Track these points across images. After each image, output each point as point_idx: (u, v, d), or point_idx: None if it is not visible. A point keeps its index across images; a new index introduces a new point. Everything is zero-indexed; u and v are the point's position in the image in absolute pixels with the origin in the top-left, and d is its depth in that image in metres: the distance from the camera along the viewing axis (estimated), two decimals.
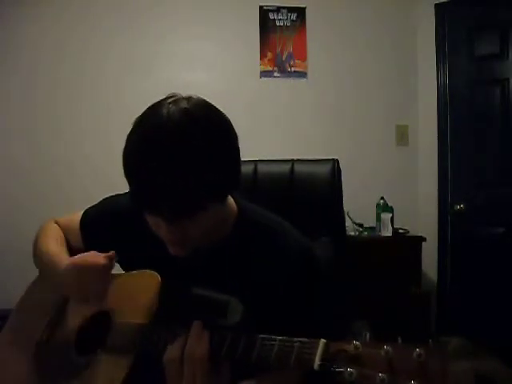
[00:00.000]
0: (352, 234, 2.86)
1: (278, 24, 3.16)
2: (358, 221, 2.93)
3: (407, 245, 2.89)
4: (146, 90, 2.82)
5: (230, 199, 0.95)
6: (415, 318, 2.65)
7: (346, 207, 1.50)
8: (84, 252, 1.14)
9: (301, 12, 3.17)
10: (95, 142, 3.00)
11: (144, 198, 0.81)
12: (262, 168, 1.49)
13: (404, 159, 3.24)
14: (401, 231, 2.92)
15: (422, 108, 3.24)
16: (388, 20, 3.23)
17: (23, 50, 3.00)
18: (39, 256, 1.11)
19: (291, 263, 0.91)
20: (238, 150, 0.87)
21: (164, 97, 0.84)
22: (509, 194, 2.88)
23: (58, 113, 3.01)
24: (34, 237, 1.17)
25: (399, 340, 0.61)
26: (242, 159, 0.88)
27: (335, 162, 1.48)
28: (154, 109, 0.82)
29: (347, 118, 3.20)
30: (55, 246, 1.09)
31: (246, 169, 0.90)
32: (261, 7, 3.15)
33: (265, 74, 3.15)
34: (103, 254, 0.97)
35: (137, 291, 0.94)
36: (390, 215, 2.86)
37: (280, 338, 0.70)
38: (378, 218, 2.90)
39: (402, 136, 3.24)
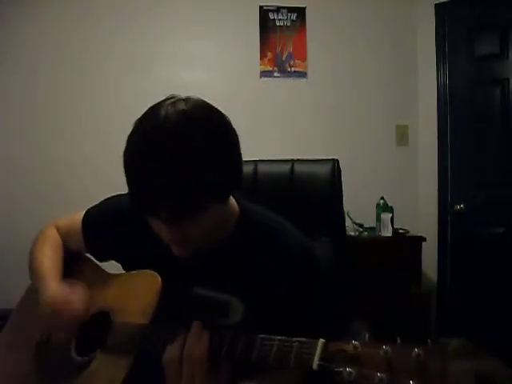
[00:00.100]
0: (352, 234, 2.86)
1: (277, 24, 3.16)
2: (358, 221, 2.92)
3: (407, 245, 2.89)
4: (145, 89, 2.82)
5: (232, 199, 0.95)
6: (415, 317, 2.65)
7: (345, 207, 1.50)
8: (84, 252, 1.15)
9: (301, 12, 3.17)
10: (95, 142, 2.99)
11: (143, 199, 0.82)
12: (261, 168, 1.49)
13: (404, 159, 3.24)
14: (401, 231, 2.92)
15: (422, 108, 3.24)
16: (388, 20, 3.23)
17: (23, 50, 3.00)
18: (33, 264, 1.12)
19: (292, 263, 0.91)
20: (237, 149, 0.87)
21: (164, 98, 0.85)
22: (509, 193, 2.88)
23: (58, 113, 3.01)
24: (32, 244, 1.17)
25: (398, 340, 0.61)
26: (243, 159, 0.88)
27: (335, 162, 1.48)
28: (153, 110, 0.83)
29: (347, 118, 3.20)
30: (48, 265, 1.09)
31: (246, 169, 0.90)
32: (261, 7, 3.15)
33: (265, 73, 3.15)
34: (81, 306, 0.99)
35: (137, 291, 0.94)
36: (390, 215, 2.86)
37: (279, 337, 0.70)
38: (378, 218, 2.90)
39: (402, 136, 3.24)
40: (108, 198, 1.13)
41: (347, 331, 1.32)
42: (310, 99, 3.17)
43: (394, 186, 3.13)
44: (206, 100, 0.86)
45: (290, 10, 3.16)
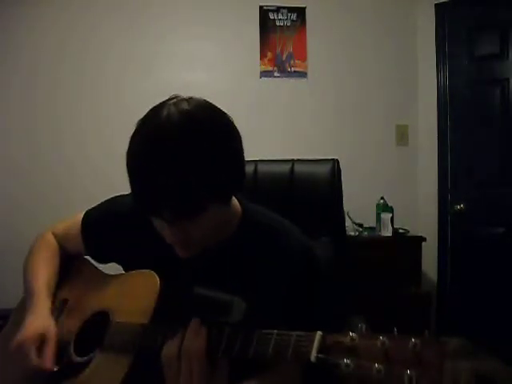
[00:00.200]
0: (352, 234, 2.86)
1: (277, 24, 3.16)
2: (357, 221, 2.93)
3: (407, 245, 2.89)
4: (146, 89, 2.83)
5: (234, 200, 0.95)
6: (415, 317, 2.65)
7: (345, 207, 1.50)
8: (83, 254, 1.15)
9: (301, 12, 3.17)
10: (95, 142, 2.99)
11: (146, 200, 0.82)
12: (262, 168, 1.50)
13: (404, 159, 3.24)
14: (401, 231, 2.92)
15: (422, 108, 3.24)
16: (388, 20, 3.23)
17: (23, 50, 3.00)
18: (24, 283, 1.10)
19: (293, 263, 0.91)
20: (240, 150, 0.87)
21: (167, 98, 0.85)
22: (509, 194, 2.88)
23: (58, 113, 3.01)
24: (28, 249, 1.16)
25: (395, 331, 0.61)
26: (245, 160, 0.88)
27: (335, 162, 1.48)
28: (156, 110, 0.83)
29: (347, 118, 3.20)
30: (38, 283, 1.07)
31: (246, 169, 0.90)
32: (261, 7, 3.15)
33: (265, 74, 3.15)
34: (48, 360, 0.94)
35: (135, 291, 0.94)
36: (390, 215, 2.86)
37: (277, 332, 0.71)
38: (378, 218, 2.90)
39: (402, 136, 3.24)
40: (107, 200, 1.13)
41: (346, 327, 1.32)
42: (310, 99, 3.17)
43: (393, 185, 3.13)
44: (208, 100, 0.87)
45: (290, 9, 3.16)
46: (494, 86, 2.97)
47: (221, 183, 0.82)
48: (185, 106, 0.81)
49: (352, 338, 0.62)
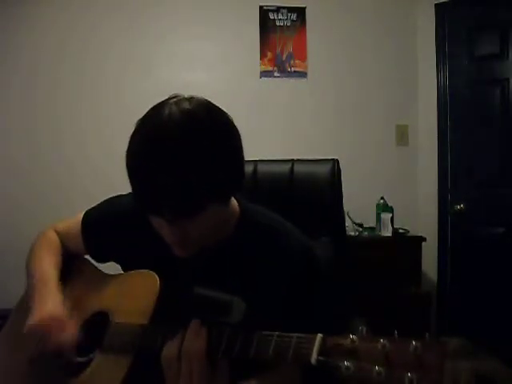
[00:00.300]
0: (352, 234, 2.86)
1: (278, 24, 3.16)
2: (357, 221, 2.93)
3: (407, 245, 2.89)
4: (145, 90, 2.83)
5: (232, 200, 0.95)
6: (415, 317, 2.65)
7: (346, 207, 1.50)
8: (83, 254, 1.15)
9: (301, 12, 3.17)
10: (95, 142, 2.99)
11: (146, 199, 0.82)
12: (262, 168, 1.50)
13: (404, 159, 3.24)
14: (401, 231, 2.92)
15: (422, 108, 3.24)
16: (388, 20, 3.23)
17: (23, 50, 3.00)
18: (28, 277, 1.10)
19: (292, 263, 0.91)
20: (240, 150, 0.87)
21: (167, 97, 0.85)
22: (509, 194, 2.88)
23: (58, 113, 3.01)
24: (30, 246, 1.16)
25: (396, 334, 0.61)
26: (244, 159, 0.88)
27: (335, 162, 1.48)
28: (156, 109, 0.83)
29: (347, 118, 3.20)
30: (44, 272, 1.07)
31: (246, 169, 0.90)
32: (261, 7, 3.15)
33: (265, 74, 3.15)
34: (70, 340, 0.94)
35: (135, 291, 0.94)
36: (390, 215, 2.86)
37: (277, 333, 0.71)
38: (378, 218, 2.90)
39: (402, 136, 3.24)
40: (107, 199, 1.13)
41: (347, 330, 1.32)
42: (310, 99, 3.17)
43: (393, 185, 3.13)
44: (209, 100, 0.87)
45: (290, 9, 3.16)
46: (494, 86, 2.97)
47: (221, 183, 0.82)
48: (186, 105, 0.81)
49: (352, 341, 0.62)
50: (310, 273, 0.93)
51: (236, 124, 0.87)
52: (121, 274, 1.06)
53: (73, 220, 1.14)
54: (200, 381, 0.75)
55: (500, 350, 0.79)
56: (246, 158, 0.89)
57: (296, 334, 0.68)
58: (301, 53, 3.17)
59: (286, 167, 1.49)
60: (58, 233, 1.17)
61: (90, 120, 3.02)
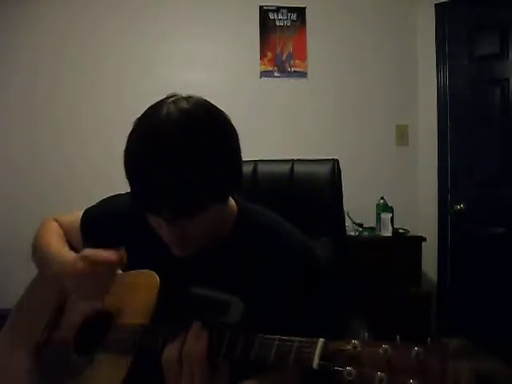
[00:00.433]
0: (352, 234, 2.86)
1: (278, 24, 3.16)
2: (357, 221, 2.93)
3: (407, 245, 2.89)
4: (145, 89, 2.82)
5: (230, 199, 0.95)
6: (415, 317, 2.65)
7: (345, 207, 1.50)
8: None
9: (301, 12, 3.17)
10: (95, 141, 3.00)
11: (144, 198, 0.82)
12: (261, 168, 1.49)
13: (404, 159, 3.24)
14: (401, 231, 2.92)
15: (422, 108, 3.24)
16: (388, 20, 3.23)
17: (23, 50, 3.00)
18: (39, 250, 1.08)
19: (292, 263, 0.91)
20: (238, 149, 0.86)
21: (165, 96, 0.85)
22: (509, 194, 2.88)
23: (58, 113, 3.02)
24: (34, 234, 1.16)
25: (398, 339, 0.61)
26: (242, 159, 0.88)
27: (335, 162, 1.48)
28: (154, 109, 0.82)
29: (347, 117, 3.20)
30: (56, 241, 1.07)
31: (245, 169, 0.90)
32: (261, 7, 3.15)
33: (265, 74, 3.15)
34: (115, 252, 0.91)
35: (135, 291, 0.94)
36: (390, 215, 2.86)
37: (279, 337, 0.70)
38: (378, 218, 2.90)
39: (402, 136, 3.24)
40: (106, 198, 1.13)
41: (347, 331, 1.32)
42: (310, 99, 3.17)
43: (393, 185, 3.13)
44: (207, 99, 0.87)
45: (290, 9, 3.16)
46: (494, 86, 2.97)
47: (219, 182, 0.82)
48: (184, 104, 0.81)
49: (355, 346, 0.62)
50: (310, 273, 0.93)
51: (236, 124, 0.87)
52: (121, 273, 1.05)
53: (72, 218, 1.14)
54: (201, 383, 0.75)
55: (500, 350, 0.79)
56: (246, 158, 0.89)
57: (298, 338, 0.68)
58: (301, 53, 3.17)
59: (286, 167, 1.49)
60: (58, 223, 1.17)
61: (90, 120, 3.02)
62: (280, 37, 3.16)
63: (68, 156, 2.99)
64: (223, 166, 0.82)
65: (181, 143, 0.77)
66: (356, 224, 2.92)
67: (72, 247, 1.13)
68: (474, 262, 2.92)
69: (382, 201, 2.92)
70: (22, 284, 1.17)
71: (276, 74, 3.16)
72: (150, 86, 2.86)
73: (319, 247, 1.20)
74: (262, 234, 0.94)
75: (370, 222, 2.94)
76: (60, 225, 1.17)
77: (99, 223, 1.08)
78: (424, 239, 2.87)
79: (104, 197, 1.14)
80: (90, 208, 1.13)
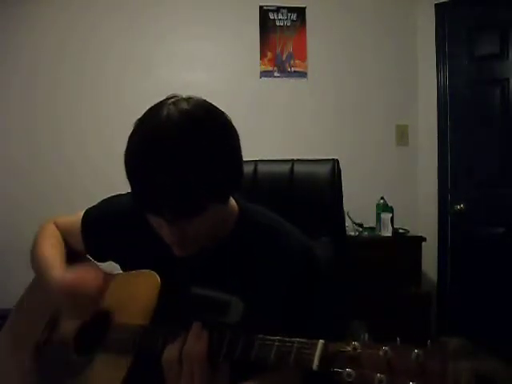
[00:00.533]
0: (352, 234, 2.86)
1: (278, 24, 3.16)
2: (357, 221, 2.93)
3: (407, 245, 2.89)
4: (145, 89, 2.82)
5: (231, 199, 0.95)
6: (415, 317, 2.65)
7: (345, 207, 1.50)
8: (83, 253, 1.15)
9: (301, 12, 3.17)
10: (95, 142, 2.99)
11: (145, 199, 0.82)
12: (261, 168, 1.49)
13: (404, 159, 3.24)
14: (401, 231, 2.92)
15: (422, 108, 3.24)
16: (388, 20, 3.23)
17: (23, 50, 3.00)
18: (35, 261, 1.10)
19: (292, 263, 0.91)
20: (238, 150, 0.87)
21: (165, 97, 0.85)
22: (509, 194, 2.88)
23: (58, 113, 3.01)
24: (33, 240, 1.16)
25: (398, 341, 0.61)
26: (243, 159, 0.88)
27: (335, 162, 1.48)
28: (155, 109, 0.83)
29: (347, 117, 3.20)
30: (51, 253, 1.08)
31: (246, 169, 0.90)
32: (261, 7, 3.15)
33: (265, 74, 3.15)
34: (98, 275, 0.95)
35: (136, 291, 0.94)
36: (390, 215, 2.86)
37: (279, 338, 0.70)
38: (378, 218, 2.90)
39: (402, 136, 3.24)
40: (107, 199, 1.13)
41: (346, 331, 1.32)
42: (309, 99, 3.17)
43: (394, 185, 3.13)
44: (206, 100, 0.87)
45: (290, 9, 3.16)
46: (494, 86, 2.97)
47: (219, 182, 0.82)
48: (184, 105, 0.81)
49: (355, 347, 0.62)
50: (310, 273, 0.93)
51: (236, 124, 0.87)
52: (121, 273, 1.06)
53: (72, 219, 1.14)
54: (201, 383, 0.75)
55: (500, 350, 0.79)
56: (246, 158, 0.89)
57: (297, 339, 0.68)
58: (301, 53, 3.17)
59: (286, 167, 1.49)
60: (58, 227, 1.17)
61: (90, 120, 3.02)
62: (280, 37, 3.16)
63: (68, 156, 2.99)
64: (223, 166, 0.82)
65: (181, 144, 0.77)
66: (356, 224, 2.93)
67: (71, 249, 1.14)
68: (474, 262, 2.92)
69: (382, 201, 2.92)
70: (21, 284, 1.17)
71: (276, 73, 3.16)
72: (150, 86, 2.86)
73: (319, 247, 1.20)
74: (262, 234, 0.94)
75: (370, 222, 2.94)
76: (59, 227, 1.17)
77: (100, 223, 1.08)
78: (424, 239, 2.87)
79: (104, 197, 1.14)
80: (90, 208, 1.13)
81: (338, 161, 1.48)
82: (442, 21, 3.12)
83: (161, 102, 0.84)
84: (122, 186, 0.93)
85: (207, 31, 3.11)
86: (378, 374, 0.58)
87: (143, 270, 0.95)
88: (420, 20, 3.24)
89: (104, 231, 1.07)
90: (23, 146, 2.98)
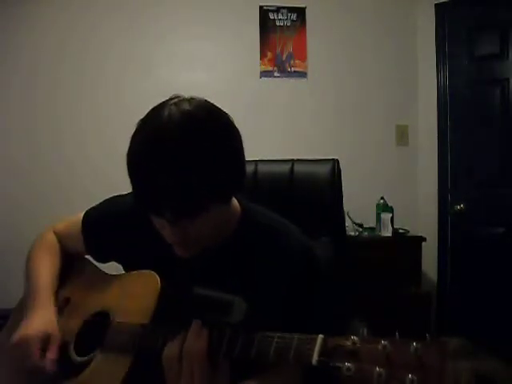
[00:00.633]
0: (352, 234, 2.86)
1: (278, 24, 3.16)
2: (357, 221, 2.93)
3: (407, 245, 2.89)
4: (145, 90, 2.83)
5: (233, 199, 0.95)
6: (415, 317, 2.65)
7: (345, 207, 1.50)
8: (84, 254, 1.15)
9: (301, 12, 3.17)
10: (95, 142, 2.99)
11: (146, 199, 0.82)
12: (262, 168, 1.49)
13: (404, 159, 3.24)
14: (401, 231, 2.92)
15: (422, 108, 3.24)
16: (388, 20, 3.23)
17: (23, 50, 3.00)
18: (26, 281, 1.10)
19: (293, 263, 0.91)
20: (240, 150, 0.87)
21: (168, 98, 0.85)
22: (509, 194, 2.88)
23: (58, 113, 3.01)
24: (30, 248, 1.16)
25: (397, 335, 0.61)
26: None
27: (335, 162, 1.48)
28: (157, 110, 0.83)
29: (347, 117, 3.20)
30: (41, 278, 1.07)
31: (246, 169, 0.91)
32: (261, 7, 3.15)
33: (265, 74, 3.15)
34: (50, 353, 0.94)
35: (136, 291, 0.94)
36: (390, 215, 2.86)
37: (278, 334, 0.71)
38: (378, 218, 2.90)
39: (402, 136, 3.24)
40: (108, 199, 1.13)
41: (346, 331, 1.32)
42: (309, 99, 3.17)
43: (393, 185, 3.13)
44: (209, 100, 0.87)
45: (290, 9, 3.16)
46: (494, 86, 2.97)
47: (222, 183, 0.82)
48: (186, 106, 0.81)
49: (353, 342, 0.62)
50: (310, 273, 0.93)
51: (236, 124, 0.87)
52: (122, 273, 1.06)
53: (73, 220, 1.14)
54: (201, 382, 0.75)
55: (500, 350, 0.79)
56: (247, 158, 0.89)
57: (297, 335, 0.69)
58: (301, 53, 3.17)
59: (286, 167, 1.49)
60: (57, 233, 1.17)
61: (90, 120, 3.02)
62: (280, 37, 3.16)
63: (68, 156, 2.99)
64: (225, 166, 0.82)
65: (183, 144, 0.78)
66: (356, 224, 2.93)
67: (71, 254, 1.15)
68: (474, 261, 2.92)
69: (382, 201, 2.92)
70: (22, 284, 1.17)
71: (276, 73, 3.16)
72: (150, 86, 2.86)
73: (319, 247, 1.20)
74: (262, 234, 0.94)
75: (370, 222, 2.94)
76: (58, 233, 1.17)
77: (100, 224, 1.08)
78: (424, 239, 2.87)
79: (104, 197, 1.14)
80: (90, 209, 1.13)
81: (338, 161, 1.48)
82: (442, 21, 3.12)
83: (163, 102, 0.84)
84: (122, 186, 0.93)
85: (207, 31, 3.11)
86: (377, 368, 0.58)
87: (144, 271, 0.95)
88: (420, 20, 3.24)
89: (105, 232, 1.07)
90: (23, 146, 2.98)
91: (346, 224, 1.65)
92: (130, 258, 1.03)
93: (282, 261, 0.91)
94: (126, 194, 1.03)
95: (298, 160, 1.52)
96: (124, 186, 0.89)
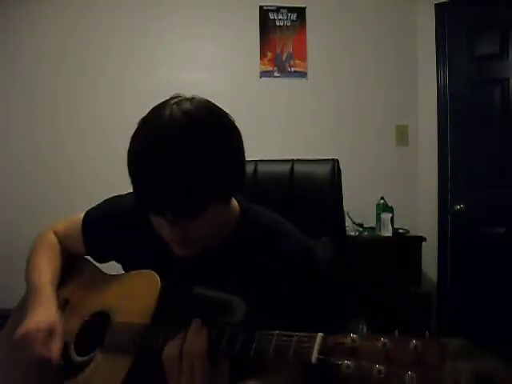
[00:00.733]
0: (352, 234, 2.86)
1: (277, 24, 3.16)
2: (357, 221, 2.93)
3: (407, 245, 2.89)
4: (145, 90, 2.83)
5: (233, 200, 0.95)
6: (415, 317, 2.65)
7: (345, 207, 1.50)
8: (84, 254, 1.15)
9: (301, 12, 3.17)
10: (95, 141, 3.00)
11: (147, 199, 0.82)
12: (261, 168, 1.49)
13: (404, 159, 3.24)
14: (401, 231, 2.92)
15: (422, 108, 3.24)
16: (388, 20, 3.23)
17: (23, 50, 3.00)
18: (27, 281, 1.10)
19: (293, 263, 0.91)
20: (241, 150, 0.87)
21: (168, 97, 0.85)
22: (509, 193, 2.88)
23: (58, 113, 3.02)
24: (30, 249, 1.16)
25: (396, 332, 0.61)
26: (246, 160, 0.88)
27: (335, 162, 1.48)
28: (158, 110, 0.83)
29: (347, 117, 3.20)
30: (42, 276, 1.07)
31: (246, 169, 0.91)
32: (261, 7, 3.15)
33: (265, 74, 3.16)
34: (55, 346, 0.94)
35: (136, 291, 0.94)
36: (390, 215, 2.86)
37: (278, 332, 0.71)
38: (378, 218, 2.90)
39: (402, 136, 3.24)
40: (107, 199, 1.13)
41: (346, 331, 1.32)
42: (309, 99, 3.17)
43: (394, 185, 3.13)
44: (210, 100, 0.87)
45: (290, 9, 3.16)
46: (494, 86, 2.97)
47: (222, 183, 0.82)
48: (187, 105, 0.81)
49: (353, 340, 0.62)
50: (310, 273, 0.93)
51: (236, 124, 0.87)
52: (122, 273, 1.06)
53: (73, 220, 1.14)
54: (201, 380, 0.75)
55: (500, 350, 0.79)
56: (247, 158, 0.89)
57: (296, 333, 0.69)
58: (301, 53, 3.17)
59: (286, 167, 1.49)
60: (57, 234, 1.17)
61: (90, 120, 3.02)
62: (280, 37, 3.16)
63: (68, 156, 2.99)
64: (226, 167, 0.82)
65: (183, 144, 0.77)
66: (356, 224, 2.93)
67: (71, 253, 1.15)
68: (474, 261, 2.92)
69: (382, 201, 2.92)
70: (22, 284, 1.17)
71: (276, 73, 3.16)
72: (150, 85, 2.86)
73: (319, 247, 1.20)
74: (262, 234, 0.94)
75: (370, 222, 2.94)
76: (58, 234, 1.17)
77: (100, 224, 1.08)
78: (424, 239, 2.87)
79: (104, 197, 1.14)
80: (90, 209, 1.13)
81: (338, 161, 1.48)
82: (442, 21, 3.12)
83: (164, 101, 0.84)
84: (122, 186, 0.93)
85: (207, 31, 3.11)
86: (377, 365, 0.58)
87: (143, 270, 0.95)
88: (420, 20, 3.24)
89: (105, 232, 1.07)
90: (23, 146, 2.98)
91: (346, 224, 1.65)
92: (130, 257, 1.03)
93: (282, 261, 0.91)
94: (125, 194, 1.03)
95: (298, 160, 1.52)
96: (124, 186, 0.89)
